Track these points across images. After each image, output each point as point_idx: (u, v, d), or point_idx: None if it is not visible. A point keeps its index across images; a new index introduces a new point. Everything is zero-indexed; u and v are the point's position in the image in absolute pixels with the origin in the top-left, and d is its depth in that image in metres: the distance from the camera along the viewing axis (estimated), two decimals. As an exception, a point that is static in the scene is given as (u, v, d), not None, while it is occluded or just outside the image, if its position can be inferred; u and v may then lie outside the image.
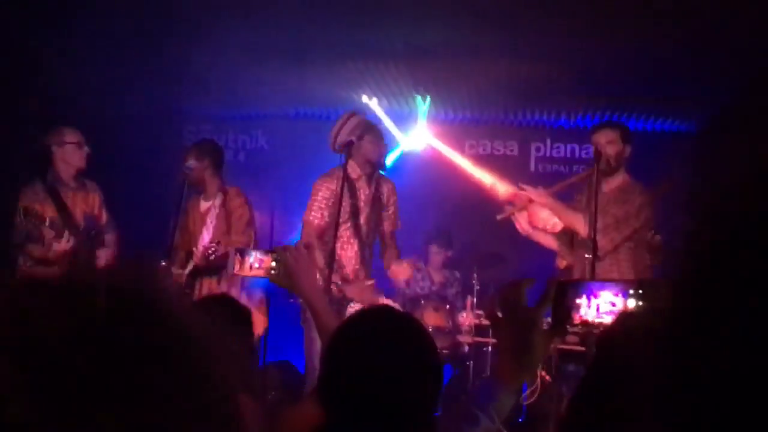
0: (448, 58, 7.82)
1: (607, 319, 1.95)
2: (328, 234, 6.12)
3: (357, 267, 6.33)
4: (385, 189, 6.55)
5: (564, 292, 1.96)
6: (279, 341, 7.65)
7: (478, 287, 7.74)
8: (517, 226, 6.15)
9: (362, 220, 6.39)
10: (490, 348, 7.31)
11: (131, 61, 7.78)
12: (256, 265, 3.12)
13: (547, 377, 6.65)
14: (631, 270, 5.80)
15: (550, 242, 6.23)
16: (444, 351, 7.35)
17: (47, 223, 6.13)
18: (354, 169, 6.31)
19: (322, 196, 6.29)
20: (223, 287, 6.46)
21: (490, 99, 8.89)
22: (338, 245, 6.08)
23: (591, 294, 1.95)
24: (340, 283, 6.11)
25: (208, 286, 6.54)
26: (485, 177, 7.72)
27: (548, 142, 9.56)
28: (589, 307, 1.87)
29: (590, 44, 7.30)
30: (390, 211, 6.59)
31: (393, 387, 2.00)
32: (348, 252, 6.31)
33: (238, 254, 3.14)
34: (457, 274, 8.21)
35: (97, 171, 6.89)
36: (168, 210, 6.64)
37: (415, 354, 2.08)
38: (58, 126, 6.50)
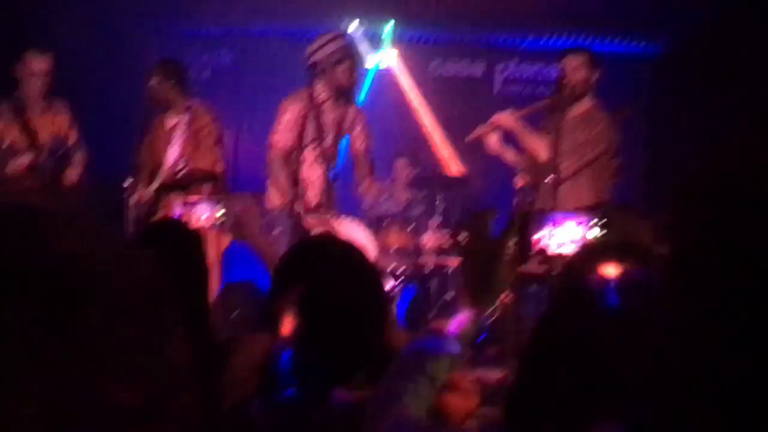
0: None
1: (568, 249, 2.02)
2: (293, 156, 6.14)
3: (322, 190, 6.37)
4: (351, 111, 6.54)
5: (527, 223, 2.02)
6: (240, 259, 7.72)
7: (443, 207, 7.81)
8: (487, 146, 6.21)
9: (328, 142, 6.41)
10: (451, 270, 7.40)
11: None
12: (206, 214, 3.17)
13: (507, 299, 6.76)
14: (592, 196, 5.88)
15: (518, 161, 6.28)
16: (407, 270, 7.44)
17: (5, 145, 6.14)
18: (322, 92, 6.29)
19: (287, 118, 6.27)
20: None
21: (455, 19, 8.86)
22: (303, 168, 6.11)
23: (554, 224, 2.01)
24: (302, 212, 6.14)
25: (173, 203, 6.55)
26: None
27: (513, 63, 9.55)
28: (551, 237, 1.93)
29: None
30: (357, 130, 6.56)
31: (338, 302, 2.05)
32: (312, 175, 6.33)
33: (185, 206, 3.18)
34: (423, 194, 8.26)
35: (62, 91, 6.85)
36: (133, 129, 6.62)
37: (356, 270, 2.13)
38: (23, 49, 6.43)
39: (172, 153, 6.54)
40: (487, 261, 1.59)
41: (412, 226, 7.58)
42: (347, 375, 2.06)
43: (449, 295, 7.39)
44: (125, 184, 6.24)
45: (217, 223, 2.89)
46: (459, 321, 1.97)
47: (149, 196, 6.48)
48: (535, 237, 2.13)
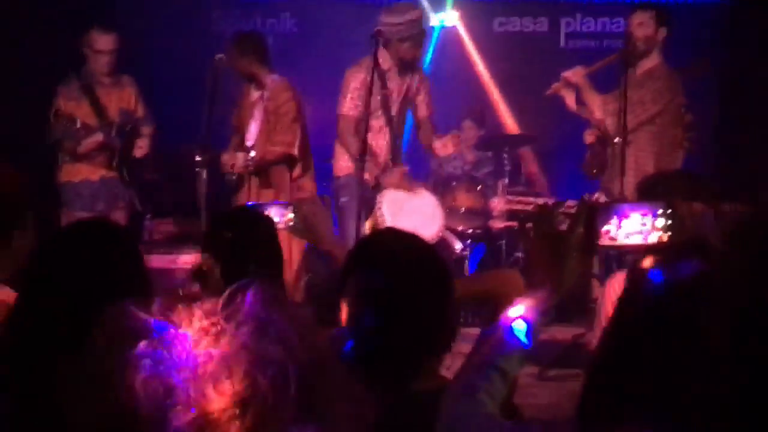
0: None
1: (636, 240, 2.02)
2: (362, 124, 6.17)
3: (388, 156, 6.41)
4: (416, 77, 6.56)
5: (593, 214, 2.03)
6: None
7: (509, 168, 7.79)
8: (566, 102, 6.20)
9: (393, 110, 6.43)
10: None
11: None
12: (276, 219, 3.23)
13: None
14: (650, 155, 5.89)
15: (593, 118, 6.25)
16: (477, 231, 7.47)
17: (78, 124, 6.26)
18: (386, 60, 6.30)
19: (353, 87, 6.30)
20: (274, 182, 6.52)
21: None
22: (370, 135, 6.13)
23: (622, 215, 2.02)
24: (376, 171, 6.19)
25: (256, 182, 6.59)
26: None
27: (578, 17, 9.41)
28: (619, 227, 1.94)
29: None
30: (421, 97, 6.60)
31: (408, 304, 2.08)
32: (380, 141, 6.37)
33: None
34: (489, 154, 8.25)
35: (128, 61, 6.95)
36: (201, 97, 6.66)
37: (420, 265, 2.15)
38: (90, 27, 6.53)
39: (253, 128, 6.56)
40: (555, 253, 1.61)
41: (480, 187, 7.59)
42: (411, 366, 2.10)
43: (519, 253, 7.42)
44: (197, 157, 6.30)
45: (288, 226, 2.94)
46: (529, 313, 1.99)
47: (247, 161, 6.46)
48: (603, 229, 2.13)
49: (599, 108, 5.98)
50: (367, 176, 6.05)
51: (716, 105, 8.57)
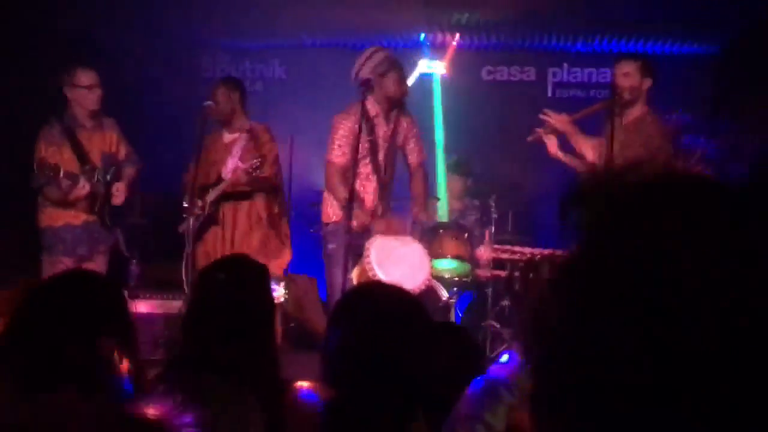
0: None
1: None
2: (350, 171, 6.20)
3: (376, 203, 6.42)
4: (405, 123, 6.59)
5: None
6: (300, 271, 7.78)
7: (496, 216, 7.79)
8: (548, 149, 6.26)
9: (380, 156, 6.45)
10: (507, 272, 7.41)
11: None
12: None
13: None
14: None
15: (577, 165, 6.32)
16: (464, 279, 7.45)
17: (61, 173, 6.24)
18: (373, 106, 6.35)
19: (341, 134, 6.34)
20: (260, 210, 6.54)
21: (507, 24, 8.84)
22: (357, 182, 6.16)
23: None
24: (363, 218, 6.19)
25: (240, 214, 6.60)
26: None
27: (565, 66, 9.51)
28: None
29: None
30: (412, 144, 6.64)
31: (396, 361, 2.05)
32: (367, 188, 6.39)
33: None
34: (476, 202, 8.25)
35: (117, 104, 6.95)
36: (188, 141, 6.68)
37: (403, 320, 2.12)
38: (71, 66, 6.52)
39: (231, 163, 6.59)
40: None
41: (466, 235, 7.59)
42: (393, 426, 2.07)
43: (505, 302, 7.41)
44: (184, 203, 6.31)
45: (278, 302, 2.91)
46: (514, 367, 1.98)
47: (205, 207, 6.51)
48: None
49: (592, 151, 6.02)
50: (354, 223, 6.05)
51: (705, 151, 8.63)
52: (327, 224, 6.47)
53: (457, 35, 8.81)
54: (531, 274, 2.01)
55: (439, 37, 9.10)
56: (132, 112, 7.62)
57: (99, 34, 7.52)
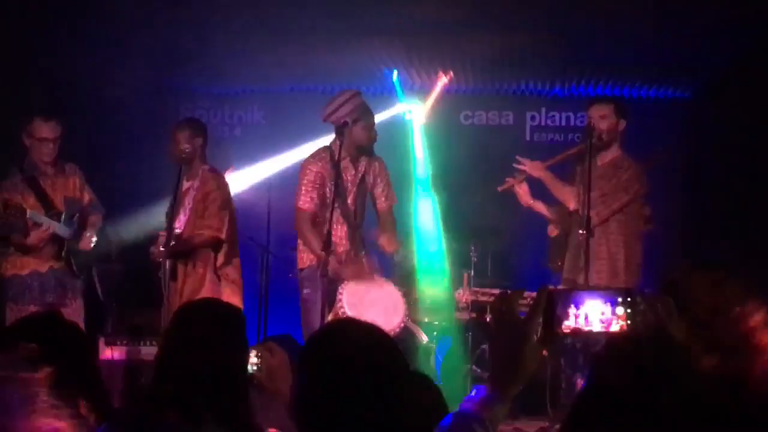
0: (441, 32, 7.84)
1: (597, 328, 2.02)
2: (321, 216, 6.17)
3: (347, 248, 6.36)
4: (374, 166, 6.55)
5: (553, 301, 2.01)
6: (277, 317, 7.75)
7: (475, 259, 7.79)
8: (519, 197, 6.27)
9: (349, 200, 6.40)
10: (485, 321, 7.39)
11: (126, 38, 7.79)
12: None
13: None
14: (621, 244, 5.93)
15: (549, 213, 6.37)
16: (443, 323, 7.43)
17: (29, 215, 6.17)
18: (339, 151, 6.29)
19: (307, 180, 6.30)
20: (200, 270, 6.40)
21: (484, 70, 8.90)
22: (328, 227, 6.12)
23: (580, 303, 2.01)
24: (334, 264, 6.11)
25: (188, 271, 6.48)
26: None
27: (543, 110, 9.58)
28: (578, 316, 1.94)
29: (581, 13, 7.35)
30: (380, 189, 6.57)
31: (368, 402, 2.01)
32: (338, 232, 6.31)
33: None
34: (455, 246, 8.25)
35: (96, 150, 6.93)
36: (166, 187, 6.63)
37: (377, 359, 2.08)
38: (31, 116, 6.41)
39: (182, 217, 6.48)
40: (514, 342, 1.60)
41: (445, 279, 7.58)
42: None
43: (485, 346, 7.38)
44: (161, 247, 6.23)
45: (253, 367, 2.89)
46: (487, 403, 1.96)
47: (161, 259, 6.38)
48: (562, 317, 2.13)
49: (574, 198, 6.01)
50: (329, 269, 6.00)
51: (680, 195, 8.70)
52: (302, 269, 6.40)
53: (444, 79, 8.80)
54: (503, 309, 1.99)
55: (418, 81, 9.14)
56: (108, 158, 7.61)
57: (75, 79, 7.50)
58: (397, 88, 8.74)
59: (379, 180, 6.56)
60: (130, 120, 8.52)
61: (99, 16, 7.10)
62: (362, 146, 6.38)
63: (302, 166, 6.41)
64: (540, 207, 6.34)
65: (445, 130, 9.07)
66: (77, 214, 6.47)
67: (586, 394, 1.59)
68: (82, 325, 5.93)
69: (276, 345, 3.30)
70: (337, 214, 6.27)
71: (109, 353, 6.50)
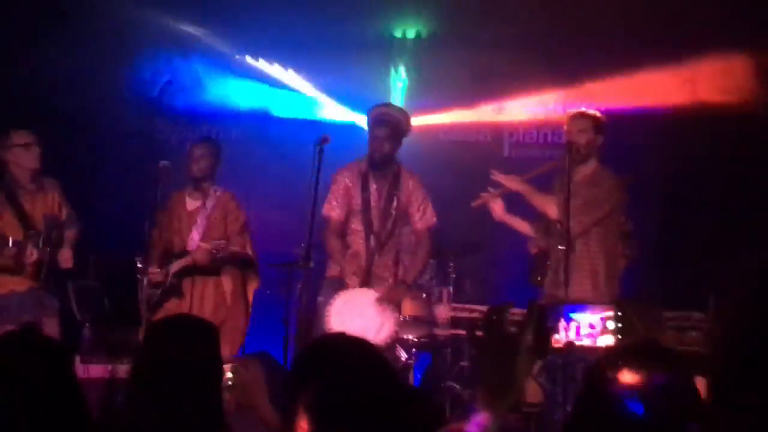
0: (423, 48, 7.89)
1: (587, 342, 2.00)
2: (348, 227, 6.28)
3: (363, 261, 6.33)
4: (407, 184, 6.48)
5: (545, 315, 2.00)
6: (259, 333, 7.68)
7: (454, 276, 7.77)
8: (492, 213, 6.25)
9: (373, 213, 6.37)
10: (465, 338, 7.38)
11: (105, 56, 7.77)
12: None
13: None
14: (601, 257, 5.93)
15: (524, 228, 6.34)
16: (422, 340, 7.38)
17: (10, 243, 6.12)
18: (365, 162, 6.34)
19: (334, 189, 6.36)
20: (227, 287, 6.44)
21: (464, 88, 8.92)
22: (351, 238, 6.14)
23: (570, 317, 2.00)
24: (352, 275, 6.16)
25: (204, 289, 6.48)
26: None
27: (521, 127, 9.58)
28: (568, 329, 1.92)
29: (561, 34, 7.42)
30: (414, 208, 6.48)
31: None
32: (359, 247, 6.32)
33: None
34: (433, 262, 8.22)
35: (73, 167, 6.88)
36: (144, 203, 6.59)
37: (368, 372, 2.06)
38: (6, 130, 6.41)
39: (196, 235, 6.47)
40: (504, 357, 1.58)
41: (424, 295, 7.55)
42: None
43: (464, 362, 7.35)
44: (138, 263, 6.20)
45: (225, 386, 2.87)
46: (477, 423, 1.94)
47: (164, 276, 6.41)
48: (553, 330, 2.13)
49: (556, 206, 5.96)
50: (347, 281, 6.03)
51: (658, 214, 8.72)
52: (326, 278, 6.39)
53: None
54: (494, 323, 1.97)
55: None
56: (86, 175, 7.54)
57: (54, 97, 7.47)
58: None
59: (413, 199, 6.47)
60: (106, 138, 8.48)
61: (75, 33, 7.07)
62: (371, 158, 6.34)
63: (333, 178, 6.41)
64: (516, 222, 6.31)
65: (423, 147, 9.06)
66: (55, 231, 6.42)
67: (579, 409, 1.58)
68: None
69: (251, 361, 3.27)
70: (359, 227, 6.27)
71: (86, 371, 6.44)
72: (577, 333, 1.96)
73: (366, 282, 6.23)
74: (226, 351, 5.84)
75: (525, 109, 9.43)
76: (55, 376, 2.34)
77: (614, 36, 7.52)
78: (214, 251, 6.21)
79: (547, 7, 7.00)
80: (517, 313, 5.22)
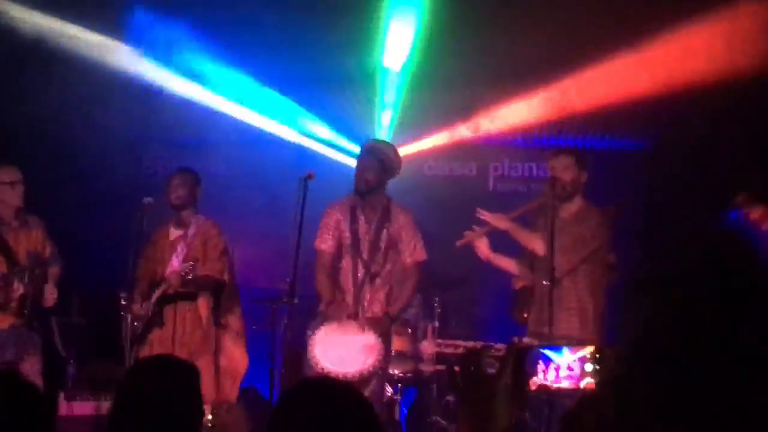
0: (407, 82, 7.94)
1: (566, 384, 2.01)
2: (335, 260, 6.25)
3: (352, 297, 6.29)
4: (397, 218, 6.45)
5: (522, 358, 2.00)
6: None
7: (439, 311, 7.77)
8: (478, 252, 6.24)
9: (363, 246, 6.34)
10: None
11: (89, 88, 7.78)
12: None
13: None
14: (589, 294, 5.92)
15: (510, 266, 6.33)
16: (408, 375, 7.36)
17: None
18: (353, 197, 6.36)
19: (323, 223, 6.34)
20: (202, 312, 6.44)
21: (448, 121, 8.97)
22: (340, 274, 6.13)
23: (548, 359, 2.01)
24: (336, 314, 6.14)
25: (183, 314, 6.48)
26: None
27: (506, 162, 9.61)
28: (546, 372, 1.93)
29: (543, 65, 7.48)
30: (403, 243, 6.43)
31: None
32: (348, 280, 6.29)
33: None
34: (418, 296, 8.20)
35: (56, 201, 6.87)
36: (128, 238, 6.59)
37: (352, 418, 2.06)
38: None
39: (175, 262, 6.49)
40: (484, 400, 1.58)
41: (410, 330, 7.53)
42: None
43: (450, 397, 7.33)
44: (122, 300, 6.19)
45: (208, 425, 2.85)
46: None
47: (148, 309, 6.40)
48: (532, 373, 2.13)
49: (544, 244, 5.94)
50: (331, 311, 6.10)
51: (639, 244, 8.74)
52: (321, 311, 6.36)
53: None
54: (471, 366, 1.97)
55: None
56: (71, 209, 7.53)
57: (38, 129, 7.46)
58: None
59: (404, 233, 6.43)
60: (90, 172, 8.45)
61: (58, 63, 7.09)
62: (356, 187, 6.35)
63: (324, 212, 6.42)
64: (502, 261, 6.30)
65: (408, 181, 9.07)
66: (39, 269, 6.40)
67: None
68: (40, 380, 5.87)
69: (232, 404, 3.25)
70: (349, 262, 6.26)
71: (70, 409, 6.40)
72: (556, 376, 1.96)
73: (355, 316, 6.19)
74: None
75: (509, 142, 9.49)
76: (34, 422, 2.33)
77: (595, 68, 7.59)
78: (182, 273, 6.21)
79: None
80: (500, 348, 5.28)
